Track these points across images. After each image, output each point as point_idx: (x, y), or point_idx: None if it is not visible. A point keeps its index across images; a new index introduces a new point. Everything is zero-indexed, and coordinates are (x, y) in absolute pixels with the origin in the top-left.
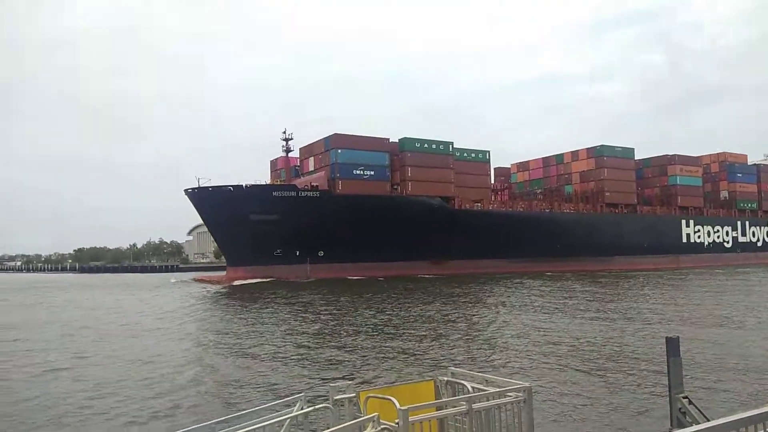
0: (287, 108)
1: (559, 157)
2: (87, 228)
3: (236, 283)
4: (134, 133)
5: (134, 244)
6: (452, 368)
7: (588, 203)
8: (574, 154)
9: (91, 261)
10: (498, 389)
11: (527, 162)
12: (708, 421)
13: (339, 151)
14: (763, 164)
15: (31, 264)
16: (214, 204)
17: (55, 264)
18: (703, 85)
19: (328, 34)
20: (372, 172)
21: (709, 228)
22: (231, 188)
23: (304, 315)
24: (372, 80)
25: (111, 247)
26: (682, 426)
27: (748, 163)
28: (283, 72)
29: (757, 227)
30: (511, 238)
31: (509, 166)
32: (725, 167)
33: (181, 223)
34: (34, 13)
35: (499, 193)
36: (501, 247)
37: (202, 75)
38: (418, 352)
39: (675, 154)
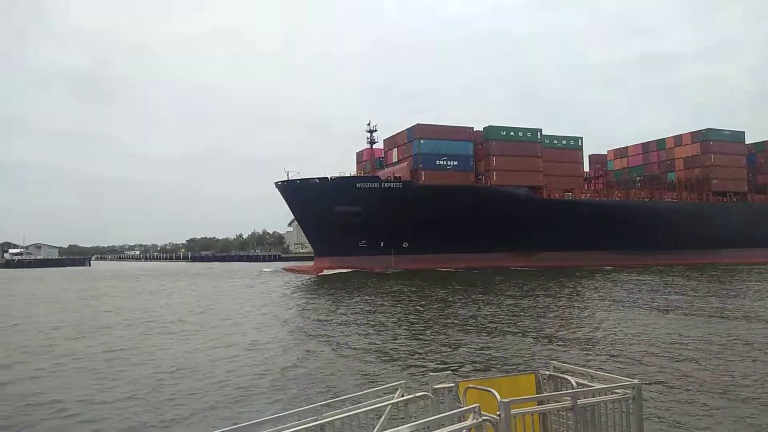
0: (392, 98)
1: (661, 143)
2: (199, 219)
3: (324, 273)
4: (250, 130)
5: (240, 235)
6: (555, 362)
7: (693, 191)
8: (677, 139)
9: (202, 250)
10: (604, 385)
11: (626, 148)
12: None
13: (422, 141)
14: None
15: (148, 253)
16: (302, 196)
17: (169, 253)
18: None
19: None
20: (455, 162)
21: None
22: (317, 180)
23: (393, 305)
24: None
25: (220, 238)
26: None
27: None
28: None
29: None
30: (606, 230)
31: (605, 153)
32: None
33: (282, 214)
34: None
35: (593, 181)
36: (594, 239)
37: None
38: (511, 347)
39: None
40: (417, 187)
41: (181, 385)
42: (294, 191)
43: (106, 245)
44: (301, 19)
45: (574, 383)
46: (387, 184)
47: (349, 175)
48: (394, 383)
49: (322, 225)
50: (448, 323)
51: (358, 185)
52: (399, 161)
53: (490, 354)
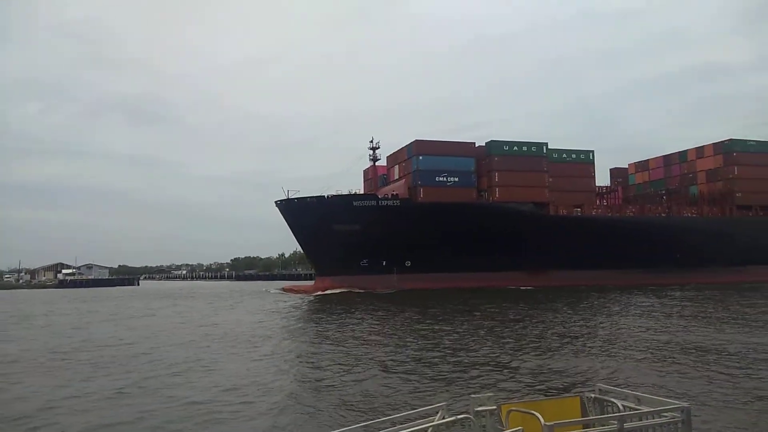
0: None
1: (683, 155)
2: (243, 239)
3: (324, 293)
4: (295, 151)
5: (282, 254)
6: (600, 384)
7: (715, 205)
8: (699, 151)
9: (245, 269)
10: (652, 409)
11: (646, 161)
12: None
13: (420, 157)
14: None
15: (194, 272)
16: (300, 215)
17: (214, 272)
18: None
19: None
20: (456, 179)
21: None
22: (314, 199)
23: (396, 326)
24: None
25: (263, 257)
26: None
27: None
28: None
29: None
30: (620, 247)
31: (626, 166)
32: None
33: None
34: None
35: (607, 196)
36: (606, 257)
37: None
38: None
39: None
40: (415, 204)
41: None
42: (292, 210)
43: (154, 265)
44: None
45: (620, 406)
46: (384, 202)
47: (350, 193)
48: (436, 405)
49: (321, 244)
50: (460, 346)
51: (355, 203)
52: (400, 178)
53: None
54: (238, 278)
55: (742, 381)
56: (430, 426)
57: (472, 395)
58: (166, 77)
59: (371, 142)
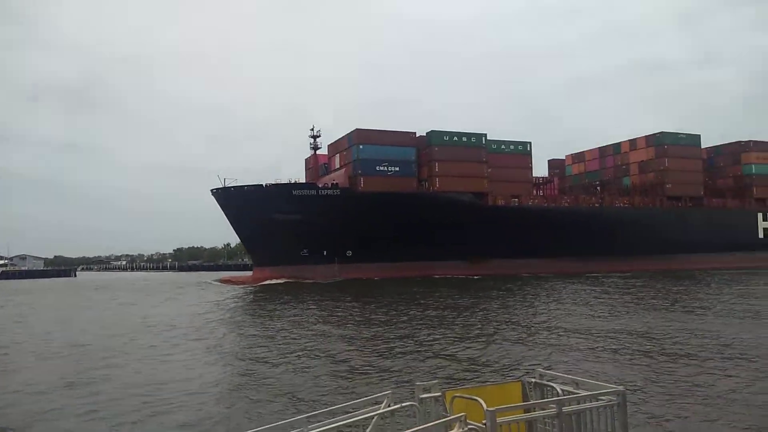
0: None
1: (617, 147)
2: (187, 229)
3: (263, 283)
4: (244, 140)
5: (228, 244)
6: (540, 370)
7: (647, 196)
8: (632, 143)
9: (189, 260)
10: (589, 392)
11: (583, 153)
12: None
13: (361, 146)
14: None
15: (134, 263)
16: (238, 204)
17: (156, 263)
18: None
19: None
20: (397, 168)
21: None
22: (252, 187)
23: (341, 317)
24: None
25: (207, 247)
26: None
27: None
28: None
29: None
30: (556, 236)
31: (564, 158)
32: None
33: None
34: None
35: (543, 187)
36: (544, 246)
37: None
38: (474, 357)
39: (750, 140)
40: (356, 193)
41: None
42: (229, 198)
43: (92, 256)
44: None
45: (559, 390)
46: (324, 191)
47: (289, 182)
48: (381, 393)
49: (260, 233)
50: (400, 335)
51: (294, 192)
52: (341, 167)
53: (448, 369)
54: (182, 269)
55: (674, 364)
56: (376, 414)
57: (417, 383)
58: (105, 61)
59: (312, 130)
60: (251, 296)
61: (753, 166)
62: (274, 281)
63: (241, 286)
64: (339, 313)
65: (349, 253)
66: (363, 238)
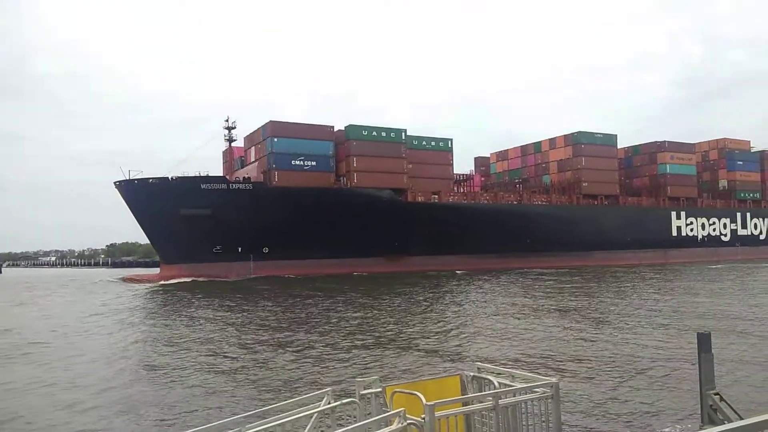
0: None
1: (538, 146)
2: (122, 225)
3: (170, 282)
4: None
5: None
6: (478, 363)
7: (564, 194)
8: (552, 142)
9: (123, 256)
10: (525, 385)
11: (506, 151)
12: (741, 418)
13: (275, 139)
14: None
15: (65, 259)
16: (143, 198)
17: (87, 259)
18: (743, 73)
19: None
20: (314, 163)
21: (704, 220)
22: (157, 180)
23: (255, 316)
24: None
25: (142, 243)
26: (713, 423)
27: (751, 150)
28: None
29: (760, 219)
30: (474, 233)
31: (489, 156)
32: (724, 154)
33: None
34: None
35: (464, 183)
36: (463, 242)
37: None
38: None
39: (665, 141)
40: (269, 188)
41: None
42: (134, 192)
43: (19, 251)
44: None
45: (496, 383)
46: (235, 186)
47: (198, 174)
48: (321, 390)
49: (167, 229)
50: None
51: (203, 186)
52: (256, 161)
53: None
54: (115, 265)
55: (602, 354)
56: (316, 411)
57: (358, 379)
58: (30, 47)
59: (226, 121)
60: (152, 296)
61: (667, 165)
62: (182, 280)
63: (145, 284)
64: (254, 313)
65: (266, 250)
66: (279, 234)
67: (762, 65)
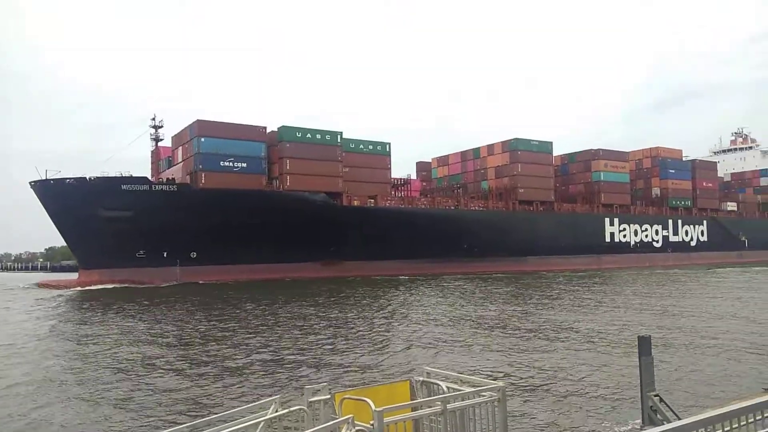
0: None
1: (477, 152)
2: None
3: (88, 288)
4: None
5: None
6: (428, 368)
7: (501, 200)
8: (490, 148)
9: (63, 260)
10: (473, 389)
11: (447, 156)
12: (679, 419)
13: (202, 139)
14: (699, 160)
15: (1, 263)
16: (60, 199)
17: (25, 263)
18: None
19: None
20: (244, 164)
21: (636, 227)
22: (74, 180)
23: (186, 324)
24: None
25: None
26: (653, 424)
27: (683, 159)
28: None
29: (691, 226)
30: (412, 238)
31: (430, 161)
32: (657, 163)
33: None
34: None
35: (402, 188)
36: (400, 248)
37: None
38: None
39: (600, 149)
40: (195, 191)
41: None
42: (50, 192)
43: None
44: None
45: (444, 388)
46: (159, 187)
47: (119, 175)
48: (268, 399)
49: (86, 232)
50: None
51: (123, 187)
52: (183, 161)
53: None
54: (54, 269)
55: (542, 360)
56: (263, 420)
57: (306, 386)
58: None
59: (153, 120)
60: (70, 304)
61: (602, 173)
62: (102, 286)
63: (59, 291)
64: (185, 321)
65: (194, 254)
66: (208, 239)
67: (698, 82)
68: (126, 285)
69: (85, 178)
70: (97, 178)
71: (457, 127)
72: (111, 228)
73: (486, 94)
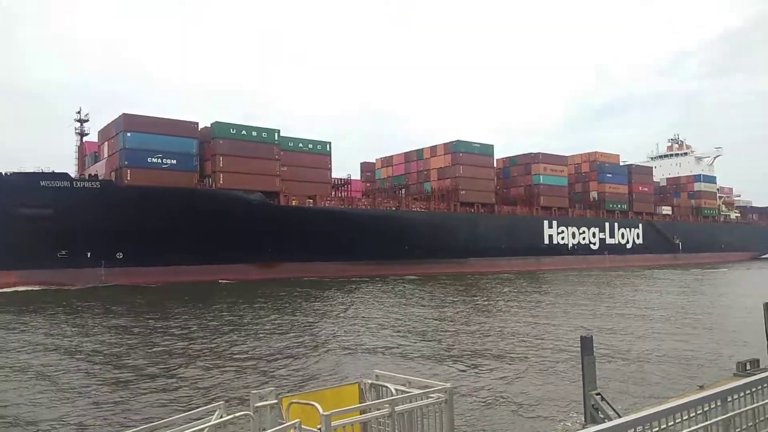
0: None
1: (420, 153)
2: None
3: (5, 290)
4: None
5: None
6: (377, 371)
7: (443, 201)
8: (433, 150)
9: None
10: (420, 391)
11: (391, 157)
12: (619, 416)
13: (128, 134)
14: (636, 165)
15: None
16: None
17: None
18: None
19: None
20: (174, 161)
21: (574, 229)
22: None
23: (113, 329)
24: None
25: None
26: (595, 422)
27: (621, 164)
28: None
29: (627, 229)
30: (352, 239)
31: (374, 161)
32: (595, 167)
33: None
34: None
35: (342, 188)
36: (340, 248)
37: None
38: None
39: (540, 153)
40: (120, 188)
41: None
42: None
43: None
44: None
45: (393, 390)
46: (81, 184)
47: (39, 170)
48: (213, 405)
49: (2, 231)
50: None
51: (42, 183)
52: (108, 157)
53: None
54: None
55: (487, 362)
56: (207, 426)
57: (253, 391)
58: None
59: (78, 113)
60: None
61: (541, 176)
62: (19, 288)
63: None
64: (111, 326)
65: (120, 255)
66: (135, 238)
67: (637, 91)
68: (46, 287)
69: (0, 173)
70: (14, 173)
71: (410, 127)
72: (30, 226)
73: (435, 95)
